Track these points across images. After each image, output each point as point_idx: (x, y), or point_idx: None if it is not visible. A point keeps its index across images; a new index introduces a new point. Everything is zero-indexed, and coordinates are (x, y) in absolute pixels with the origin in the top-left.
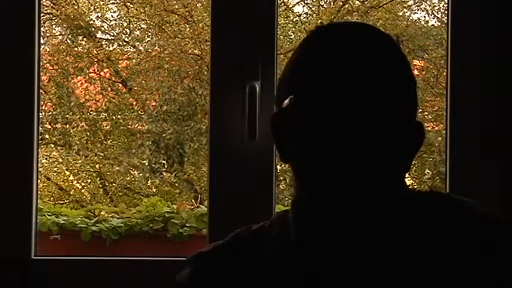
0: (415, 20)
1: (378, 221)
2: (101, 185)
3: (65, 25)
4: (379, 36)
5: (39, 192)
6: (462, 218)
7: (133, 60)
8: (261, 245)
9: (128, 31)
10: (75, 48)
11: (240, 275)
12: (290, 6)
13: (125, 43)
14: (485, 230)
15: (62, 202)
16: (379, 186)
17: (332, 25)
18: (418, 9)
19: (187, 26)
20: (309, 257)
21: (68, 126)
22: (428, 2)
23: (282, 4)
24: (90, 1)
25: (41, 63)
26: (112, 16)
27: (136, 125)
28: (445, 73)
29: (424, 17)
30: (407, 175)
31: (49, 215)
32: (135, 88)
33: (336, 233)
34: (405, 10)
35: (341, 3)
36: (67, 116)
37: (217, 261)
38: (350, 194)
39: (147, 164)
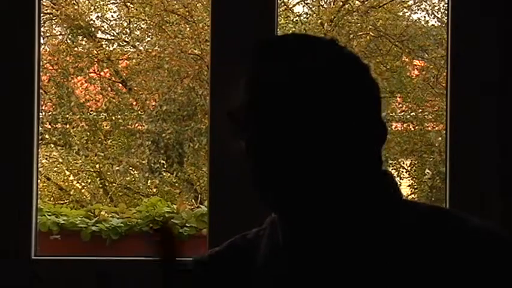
0: (415, 20)
1: (346, 223)
2: (101, 185)
3: (65, 25)
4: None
5: (39, 192)
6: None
7: (133, 60)
8: (254, 249)
9: (128, 31)
10: (75, 48)
11: (232, 280)
12: (290, 6)
13: (124, 43)
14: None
15: (62, 202)
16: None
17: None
18: (418, 9)
19: (187, 26)
20: (294, 258)
21: (68, 126)
22: (428, 2)
23: (282, 4)
24: (90, 1)
25: (41, 63)
26: (112, 16)
27: (136, 124)
28: (445, 73)
29: (424, 17)
30: (407, 175)
31: (49, 215)
32: (135, 88)
33: (309, 234)
34: (405, 10)
35: (341, 3)
36: (67, 116)
37: (211, 266)
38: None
39: (146, 164)
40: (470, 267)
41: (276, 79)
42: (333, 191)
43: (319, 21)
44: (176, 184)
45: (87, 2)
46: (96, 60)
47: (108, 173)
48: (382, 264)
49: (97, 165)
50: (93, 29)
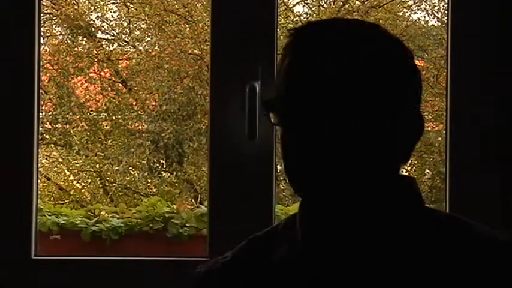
0: (415, 20)
1: (370, 221)
2: (101, 185)
3: (65, 25)
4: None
5: (39, 192)
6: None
7: (133, 60)
8: (269, 252)
9: (128, 31)
10: (75, 48)
11: (249, 277)
12: (290, 6)
13: (124, 43)
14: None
15: (62, 202)
16: (364, 184)
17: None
18: (418, 9)
19: (187, 26)
20: (312, 258)
21: (68, 126)
22: (428, 2)
23: (282, 4)
24: (90, 1)
25: (41, 63)
26: (112, 16)
27: (136, 124)
28: (445, 73)
29: (424, 17)
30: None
31: (49, 215)
32: (135, 88)
33: (332, 234)
34: (405, 10)
35: (341, 3)
36: (67, 116)
37: (227, 274)
38: (336, 195)
39: (146, 163)
40: (481, 277)
41: (315, 70)
42: (357, 187)
43: None
44: (176, 184)
45: (87, 2)
46: (96, 60)
47: (108, 173)
48: (389, 266)
49: (97, 165)
50: (93, 29)
